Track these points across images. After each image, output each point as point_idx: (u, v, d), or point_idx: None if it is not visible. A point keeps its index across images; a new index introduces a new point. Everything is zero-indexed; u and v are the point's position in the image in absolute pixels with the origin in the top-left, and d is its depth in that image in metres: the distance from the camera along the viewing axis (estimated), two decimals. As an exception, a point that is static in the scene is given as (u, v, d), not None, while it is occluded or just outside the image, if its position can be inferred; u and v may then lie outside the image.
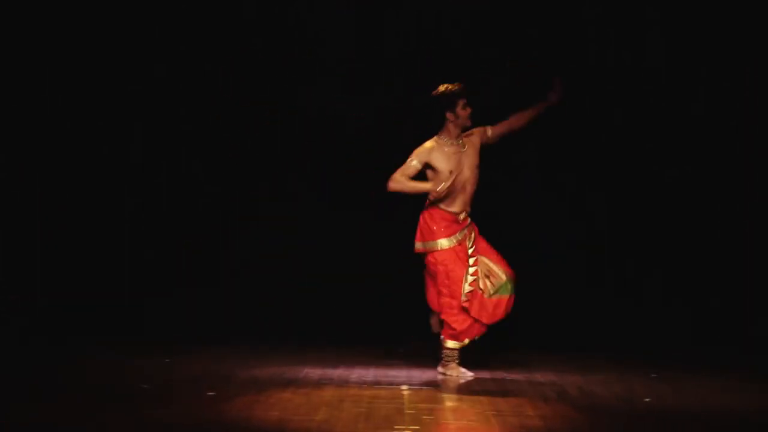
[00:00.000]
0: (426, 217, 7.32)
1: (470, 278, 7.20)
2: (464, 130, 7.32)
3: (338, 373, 7.24)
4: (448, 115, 7.25)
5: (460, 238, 7.27)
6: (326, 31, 9.09)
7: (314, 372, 7.22)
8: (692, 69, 8.84)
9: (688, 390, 6.80)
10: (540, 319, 8.85)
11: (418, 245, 7.36)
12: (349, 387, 6.72)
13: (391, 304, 8.89)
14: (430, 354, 8.14)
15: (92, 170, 9.12)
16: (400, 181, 7.21)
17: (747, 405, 6.37)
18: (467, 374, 7.22)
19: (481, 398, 6.43)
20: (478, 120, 7.39)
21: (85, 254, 9.12)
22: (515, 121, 7.44)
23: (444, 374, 7.24)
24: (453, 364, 7.25)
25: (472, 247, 7.29)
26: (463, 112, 7.24)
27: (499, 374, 7.32)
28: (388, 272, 8.77)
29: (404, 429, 5.51)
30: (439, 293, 7.27)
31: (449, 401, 6.34)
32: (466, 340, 7.27)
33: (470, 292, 7.19)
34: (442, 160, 7.22)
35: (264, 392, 6.45)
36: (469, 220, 7.35)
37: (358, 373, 7.23)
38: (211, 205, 9.19)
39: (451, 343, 7.26)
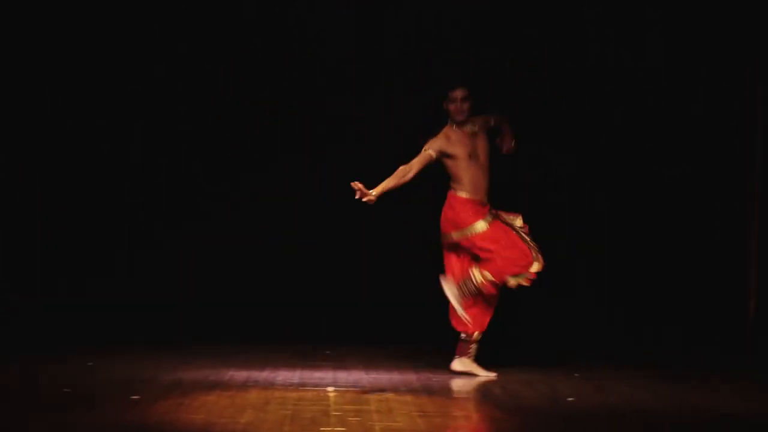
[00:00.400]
0: (452, 207, 7.27)
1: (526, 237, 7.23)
2: (461, 123, 7.27)
3: (264, 375, 7.21)
4: (444, 105, 7.29)
5: (491, 219, 7.25)
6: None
7: (240, 374, 7.18)
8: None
9: (610, 389, 6.87)
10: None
11: (456, 234, 7.28)
12: (274, 389, 6.69)
13: (320, 305, 8.89)
14: (356, 355, 8.16)
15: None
16: (395, 174, 7.14)
17: (667, 403, 6.46)
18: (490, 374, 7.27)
19: (407, 398, 6.44)
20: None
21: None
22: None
23: (466, 371, 7.29)
24: (467, 359, 7.29)
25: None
26: (451, 105, 7.25)
27: (425, 375, 7.33)
28: (321, 274, 8.79)
29: (330, 431, 5.50)
30: (504, 263, 7.15)
31: (375, 402, 6.34)
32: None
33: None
34: (457, 146, 7.22)
35: (189, 395, 6.39)
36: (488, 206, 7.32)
37: (283, 375, 7.20)
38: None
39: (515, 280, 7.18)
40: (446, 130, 7.30)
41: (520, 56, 8.94)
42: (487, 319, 7.34)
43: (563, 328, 8.95)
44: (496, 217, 7.29)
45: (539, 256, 7.17)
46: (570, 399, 6.52)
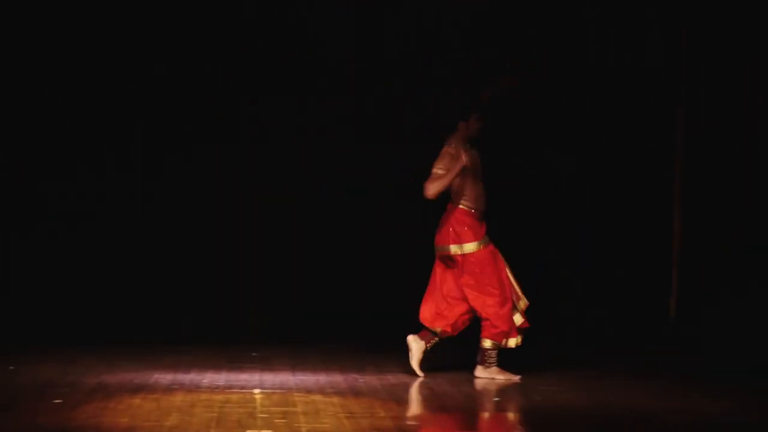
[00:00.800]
0: (457, 219, 7.31)
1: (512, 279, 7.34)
2: (470, 141, 7.37)
3: (190, 377, 7.16)
4: (460, 124, 7.34)
5: (486, 241, 7.34)
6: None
7: (165, 377, 7.13)
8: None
9: (534, 388, 6.94)
10: (393, 318, 8.92)
11: (455, 248, 7.31)
12: (200, 391, 6.65)
13: (247, 307, 8.87)
14: (283, 357, 8.14)
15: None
16: (434, 180, 7.21)
17: (589, 402, 6.53)
18: (513, 377, 7.22)
19: (334, 400, 6.44)
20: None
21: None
22: None
23: (489, 377, 7.21)
24: (495, 368, 7.23)
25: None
26: (475, 124, 7.33)
27: (352, 375, 7.34)
28: (247, 275, 8.76)
29: (256, 433, 5.49)
30: (486, 293, 7.24)
31: (302, 404, 6.33)
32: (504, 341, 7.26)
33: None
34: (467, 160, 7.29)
35: (113, 398, 6.33)
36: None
37: (209, 378, 7.16)
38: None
39: (491, 343, 7.23)
40: (447, 149, 7.34)
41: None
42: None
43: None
44: (490, 242, 7.37)
45: (522, 295, 7.33)
46: (496, 399, 6.57)
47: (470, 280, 7.26)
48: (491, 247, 7.34)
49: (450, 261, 7.34)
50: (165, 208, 9.07)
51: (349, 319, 9.07)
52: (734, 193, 8.46)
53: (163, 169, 9.12)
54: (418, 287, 8.95)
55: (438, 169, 7.28)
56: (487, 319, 7.22)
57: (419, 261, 8.96)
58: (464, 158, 7.21)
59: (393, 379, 7.24)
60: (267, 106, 9.10)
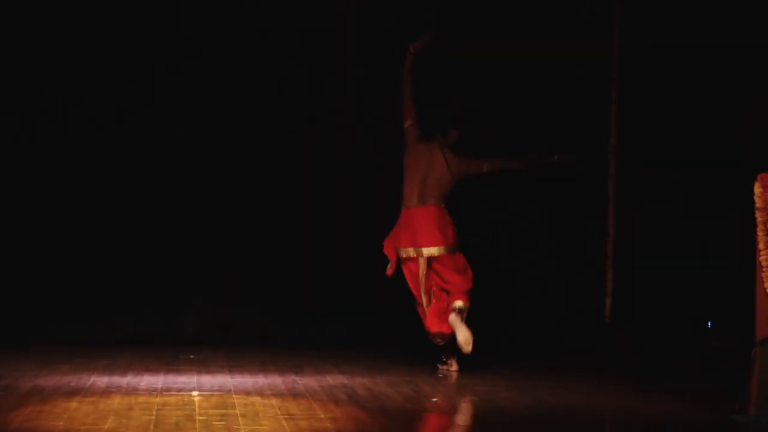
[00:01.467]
0: (448, 218, 7.68)
1: None
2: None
3: (127, 380, 7.10)
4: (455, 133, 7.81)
5: None
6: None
7: (101, 380, 7.06)
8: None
9: (472, 388, 6.97)
10: (331, 319, 8.94)
11: (452, 248, 7.61)
12: (138, 394, 6.60)
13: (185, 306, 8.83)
14: (221, 359, 8.11)
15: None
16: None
17: (526, 403, 6.58)
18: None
19: (273, 401, 6.42)
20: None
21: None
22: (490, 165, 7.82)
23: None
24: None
25: None
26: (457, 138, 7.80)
27: (290, 377, 7.33)
28: (182, 274, 8.70)
29: (195, 436, 5.46)
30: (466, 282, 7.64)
31: (240, 406, 6.31)
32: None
33: None
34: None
35: (49, 402, 6.26)
36: None
37: (147, 380, 7.10)
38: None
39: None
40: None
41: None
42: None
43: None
44: None
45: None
46: (434, 399, 6.60)
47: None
48: None
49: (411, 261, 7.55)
50: (107, 201, 8.94)
51: (286, 320, 9.05)
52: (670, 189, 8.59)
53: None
54: (352, 287, 9.02)
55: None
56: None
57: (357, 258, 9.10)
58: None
59: (331, 380, 7.24)
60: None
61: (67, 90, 8.85)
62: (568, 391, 6.97)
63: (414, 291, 7.65)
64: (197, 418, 5.92)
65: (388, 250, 7.70)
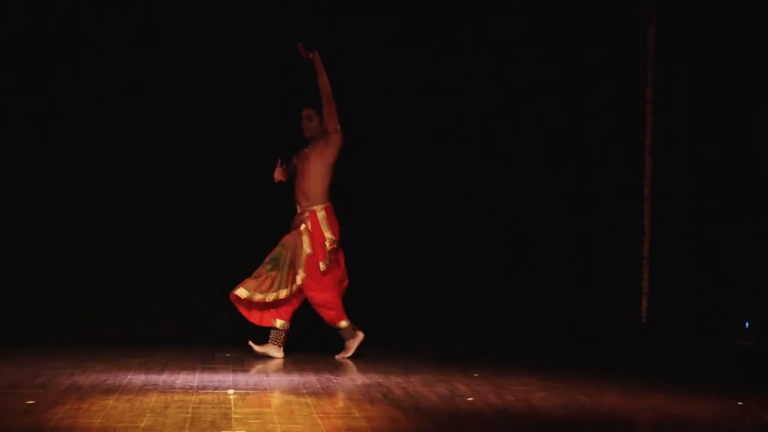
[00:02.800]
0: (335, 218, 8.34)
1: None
2: (308, 140, 8.33)
3: (163, 378, 7.12)
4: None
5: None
6: None
7: (138, 378, 7.08)
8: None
9: (508, 389, 6.94)
10: (365, 319, 8.92)
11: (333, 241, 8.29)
12: (174, 392, 6.62)
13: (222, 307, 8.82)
14: (256, 358, 8.11)
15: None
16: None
17: (559, 404, 6.55)
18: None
19: (308, 400, 6.43)
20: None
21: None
22: (323, 96, 8.17)
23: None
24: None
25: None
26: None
27: (325, 376, 7.32)
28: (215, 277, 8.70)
29: (231, 434, 5.47)
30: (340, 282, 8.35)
31: (276, 405, 6.31)
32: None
33: None
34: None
35: (86, 399, 6.29)
36: (304, 213, 8.29)
37: (183, 378, 7.12)
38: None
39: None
40: None
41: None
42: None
43: (463, 328, 9.01)
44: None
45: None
46: (469, 399, 6.57)
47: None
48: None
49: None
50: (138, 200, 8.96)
51: (321, 321, 9.04)
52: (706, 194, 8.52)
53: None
54: (387, 287, 9.02)
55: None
56: (323, 305, 8.25)
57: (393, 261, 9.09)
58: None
59: (366, 379, 7.23)
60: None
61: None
62: (604, 391, 6.92)
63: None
64: (233, 416, 5.93)
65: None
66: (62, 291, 8.76)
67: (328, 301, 8.21)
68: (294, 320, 8.38)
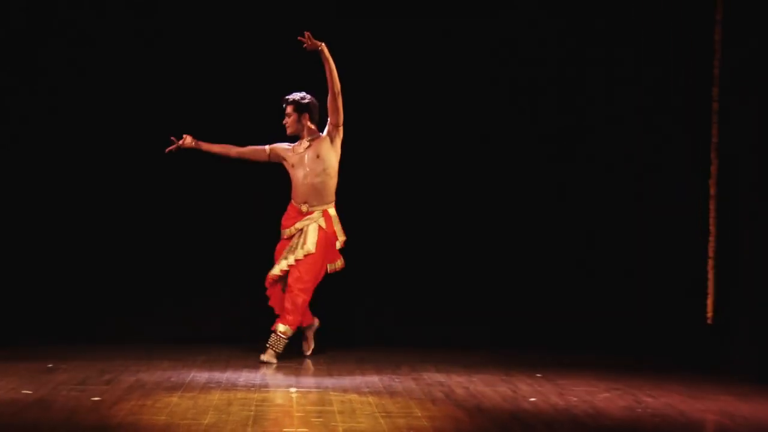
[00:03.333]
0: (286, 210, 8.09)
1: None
2: (293, 137, 8.05)
3: (226, 376, 7.17)
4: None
5: (288, 233, 8.05)
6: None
7: (201, 375, 7.13)
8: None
9: (570, 390, 6.89)
10: (427, 319, 8.91)
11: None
12: (237, 390, 6.65)
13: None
14: (318, 357, 8.12)
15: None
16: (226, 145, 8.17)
17: (623, 405, 6.48)
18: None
19: (370, 399, 6.42)
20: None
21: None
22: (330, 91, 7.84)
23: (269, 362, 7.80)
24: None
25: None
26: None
27: (387, 375, 7.32)
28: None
29: (293, 431, 5.47)
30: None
31: (338, 403, 6.31)
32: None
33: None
34: (289, 156, 8.01)
35: (150, 396, 6.35)
36: (314, 212, 7.95)
37: (245, 376, 7.16)
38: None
39: (286, 328, 7.91)
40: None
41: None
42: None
43: (525, 329, 8.95)
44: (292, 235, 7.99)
45: None
46: (532, 399, 6.53)
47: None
48: (288, 239, 8.00)
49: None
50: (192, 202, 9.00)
51: (383, 320, 9.03)
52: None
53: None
54: (451, 288, 9.00)
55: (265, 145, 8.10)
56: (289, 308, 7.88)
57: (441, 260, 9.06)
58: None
59: (428, 379, 7.21)
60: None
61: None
62: (668, 392, 6.84)
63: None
64: (295, 414, 5.95)
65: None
66: (129, 290, 8.86)
67: (302, 304, 7.88)
68: (350, 319, 8.43)
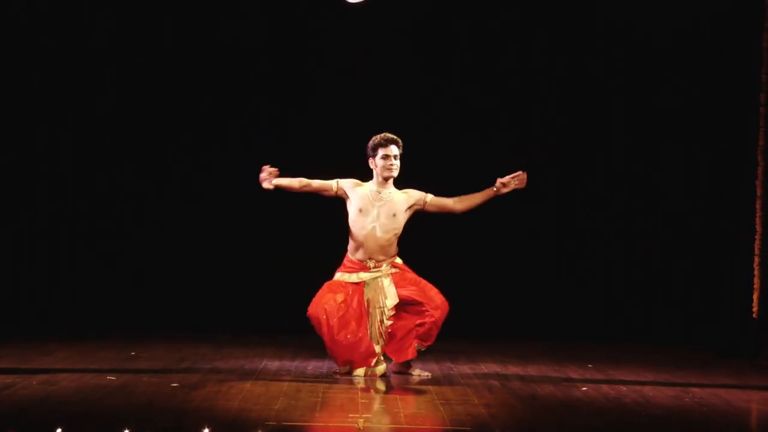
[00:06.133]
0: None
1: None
2: (388, 179, 7.00)
3: (295, 365, 7.27)
4: (370, 163, 7.05)
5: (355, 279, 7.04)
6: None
7: (272, 364, 7.24)
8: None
9: (623, 380, 6.89)
10: (483, 310, 8.94)
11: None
12: (305, 378, 6.74)
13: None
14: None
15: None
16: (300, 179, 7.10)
17: (671, 395, 6.47)
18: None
19: (430, 388, 6.48)
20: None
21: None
22: (457, 203, 7.05)
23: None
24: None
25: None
26: (381, 161, 6.97)
27: (446, 364, 7.37)
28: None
29: (357, 417, 5.54)
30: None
31: (399, 390, 6.38)
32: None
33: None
34: (357, 197, 7.03)
35: (225, 383, 6.45)
36: (382, 266, 7.02)
37: (313, 365, 7.25)
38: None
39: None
40: (362, 183, 7.10)
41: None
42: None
43: (575, 320, 8.96)
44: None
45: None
46: (584, 388, 6.55)
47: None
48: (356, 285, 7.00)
49: None
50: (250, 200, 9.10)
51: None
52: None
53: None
54: (507, 281, 9.03)
55: (330, 180, 7.08)
56: None
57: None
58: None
59: (485, 368, 7.26)
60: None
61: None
62: (716, 384, 6.82)
63: None
64: (359, 401, 6.02)
65: None
66: (206, 285, 9.02)
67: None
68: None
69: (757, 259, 8.40)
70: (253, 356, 7.53)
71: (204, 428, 5.10)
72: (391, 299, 6.92)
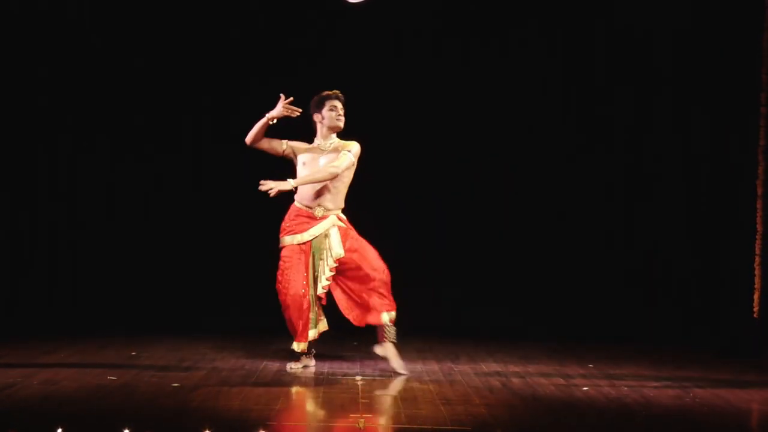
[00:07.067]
0: (288, 213, 7.10)
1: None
2: (334, 129, 7.00)
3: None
4: (316, 117, 7.04)
5: (300, 239, 7.01)
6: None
7: (273, 365, 7.21)
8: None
9: (624, 380, 6.87)
10: (484, 310, 8.91)
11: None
12: (306, 378, 6.71)
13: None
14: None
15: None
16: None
17: (671, 395, 6.45)
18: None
19: (431, 387, 6.46)
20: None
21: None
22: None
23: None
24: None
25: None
26: (330, 113, 6.98)
27: (447, 365, 7.35)
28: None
29: (358, 417, 5.53)
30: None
31: (400, 391, 6.36)
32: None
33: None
34: (303, 152, 7.02)
35: (226, 383, 6.43)
36: (329, 216, 7.00)
37: (314, 365, 7.22)
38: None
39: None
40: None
41: None
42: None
43: (577, 320, 8.94)
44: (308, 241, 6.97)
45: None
46: (585, 389, 6.52)
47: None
48: (304, 245, 6.99)
49: None
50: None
51: (442, 310, 9.07)
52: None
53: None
54: (505, 279, 9.01)
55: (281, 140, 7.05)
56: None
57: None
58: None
59: (486, 368, 7.24)
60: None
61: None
62: (717, 384, 6.79)
63: None
64: (360, 401, 6.00)
65: None
66: (208, 285, 9.01)
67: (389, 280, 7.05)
68: (414, 310, 8.49)
69: (757, 259, 8.38)
70: (253, 356, 7.51)
71: (204, 428, 5.08)
72: (337, 249, 6.88)
